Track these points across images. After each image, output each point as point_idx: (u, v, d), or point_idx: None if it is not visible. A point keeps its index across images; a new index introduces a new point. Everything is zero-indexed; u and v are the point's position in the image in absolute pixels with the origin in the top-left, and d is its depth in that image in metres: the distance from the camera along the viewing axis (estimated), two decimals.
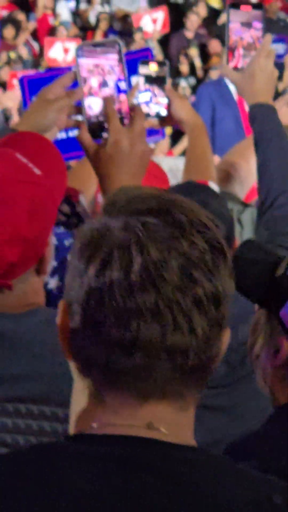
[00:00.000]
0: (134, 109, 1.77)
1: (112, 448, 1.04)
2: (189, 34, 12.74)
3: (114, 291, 1.03)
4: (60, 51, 10.60)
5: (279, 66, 11.73)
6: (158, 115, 2.57)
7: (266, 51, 2.24)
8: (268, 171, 2.15)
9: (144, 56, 3.49)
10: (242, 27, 2.25)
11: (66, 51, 11.33)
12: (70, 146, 3.76)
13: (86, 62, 1.78)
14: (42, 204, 1.65)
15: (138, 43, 12.40)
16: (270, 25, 13.55)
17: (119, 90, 1.79)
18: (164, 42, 12.96)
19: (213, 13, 13.75)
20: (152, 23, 12.80)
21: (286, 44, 12.05)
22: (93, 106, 1.79)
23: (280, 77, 11.69)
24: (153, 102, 2.56)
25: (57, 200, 1.74)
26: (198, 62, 11.80)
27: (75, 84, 1.84)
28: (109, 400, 1.07)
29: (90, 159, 1.78)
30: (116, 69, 1.79)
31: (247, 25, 2.25)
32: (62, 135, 3.85)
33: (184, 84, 11.61)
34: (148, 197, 1.09)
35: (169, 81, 2.59)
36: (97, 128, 1.78)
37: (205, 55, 12.11)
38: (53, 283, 2.51)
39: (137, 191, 1.11)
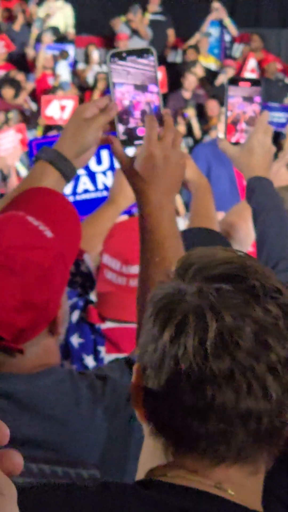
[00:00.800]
0: (164, 119, 1.72)
1: (182, 499, 1.06)
2: (187, 94, 12.75)
3: (189, 357, 1.05)
4: (57, 109, 10.57)
5: (281, 135, 11.74)
6: None
7: (264, 127, 2.25)
8: (268, 239, 2.18)
9: None
10: (244, 101, 2.25)
11: (62, 108, 11.29)
12: (80, 209, 3.68)
13: (118, 70, 1.72)
14: (53, 269, 1.60)
15: None
16: (268, 86, 13.60)
17: (151, 99, 1.73)
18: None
19: (210, 74, 13.82)
20: None
21: None
22: (126, 116, 1.73)
23: (280, 146, 11.70)
24: None
25: (69, 262, 1.72)
26: (195, 123, 11.78)
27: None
28: (182, 460, 1.08)
29: (125, 174, 1.76)
30: (149, 77, 1.72)
31: (249, 99, 2.26)
32: (69, 199, 3.78)
33: (182, 145, 11.56)
34: (220, 262, 1.10)
35: None
36: (129, 137, 1.74)
37: (202, 115, 12.10)
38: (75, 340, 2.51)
39: (210, 254, 1.13)
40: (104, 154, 3.84)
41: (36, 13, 14.04)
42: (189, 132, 11.62)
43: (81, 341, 2.48)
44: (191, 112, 11.87)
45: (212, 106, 12.00)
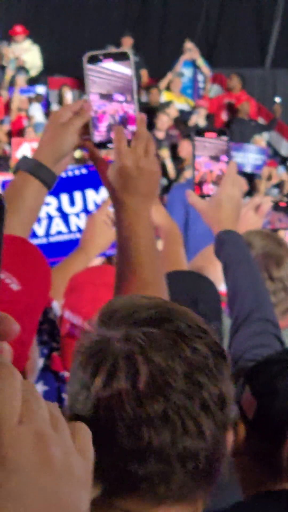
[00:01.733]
0: (137, 126, 1.69)
1: None
2: (160, 134, 12.74)
3: (123, 401, 1.05)
4: (28, 151, 10.57)
5: (255, 176, 11.77)
6: None
7: (232, 180, 2.26)
8: (240, 289, 2.21)
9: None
10: (210, 160, 2.26)
11: (33, 151, 11.24)
12: (53, 251, 3.65)
13: (93, 73, 1.67)
14: (20, 322, 1.44)
15: None
16: (241, 126, 13.67)
17: (126, 106, 1.68)
18: None
19: (184, 114, 13.83)
20: None
21: (265, 156, 12.12)
22: (100, 120, 1.71)
23: (255, 188, 11.73)
24: None
25: (37, 314, 1.66)
26: (169, 163, 11.77)
27: None
28: (123, 503, 1.08)
29: (101, 179, 1.73)
30: (124, 82, 1.67)
31: (216, 158, 2.26)
32: (42, 240, 3.75)
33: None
34: (145, 307, 1.12)
35: None
36: (104, 140, 1.72)
37: (176, 155, 12.10)
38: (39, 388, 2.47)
39: (133, 301, 1.13)
40: (78, 196, 3.84)
41: (8, 55, 14.02)
42: (164, 172, 11.60)
43: (45, 389, 2.45)
44: (165, 153, 11.87)
45: (186, 146, 12.01)
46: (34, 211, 1.79)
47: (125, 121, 1.68)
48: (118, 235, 1.70)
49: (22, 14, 15.21)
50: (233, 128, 13.74)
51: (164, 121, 12.73)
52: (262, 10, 15.42)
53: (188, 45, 14.55)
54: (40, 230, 3.76)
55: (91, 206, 3.77)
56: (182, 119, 13.60)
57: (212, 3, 15.73)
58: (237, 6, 15.67)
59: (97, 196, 3.80)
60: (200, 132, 2.29)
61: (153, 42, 15.76)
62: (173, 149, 12.48)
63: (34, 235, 3.72)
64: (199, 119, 13.47)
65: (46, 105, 13.85)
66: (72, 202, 3.83)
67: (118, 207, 1.69)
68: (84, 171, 3.77)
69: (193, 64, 14.61)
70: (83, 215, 3.80)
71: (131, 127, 1.68)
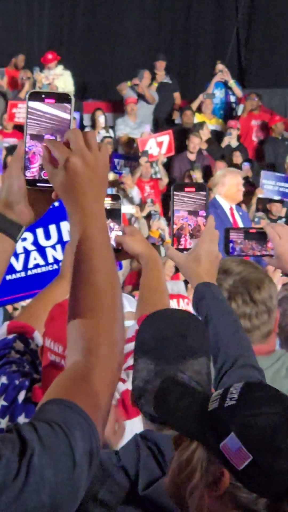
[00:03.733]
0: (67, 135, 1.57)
1: None
2: (192, 156, 12.76)
3: None
4: None
5: (284, 203, 11.69)
6: (113, 249, 2.50)
7: (210, 235, 2.33)
8: (223, 339, 2.25)
9: None
10: (189, 215, 2.34)
11: None
12: (32, 283, 3.72)
13: (32, 111, 1.62)
14: None
15: (143, 166, 12.42)
16: (275, 145, 13.65)
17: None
18: (166, 164, 12.97)
19: (216, 135, 13.83)
20: (157, 146, 12.85)
21: None
22: (31, 162, 1.63)
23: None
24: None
25: None
26: None
27: None
28: None
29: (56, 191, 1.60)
30: (60, 125, 1.61)
31: (194, 213, 2.34)
32: (21, 274, 3.82)
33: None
34: None
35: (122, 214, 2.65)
36: (36, 179, 1.63)
37: (208, 177, 12.09)
38: (3, 423, 2.45)
39: None
40: (52, 228, 3.97)
41: (41, 81, 14.14)
42: None
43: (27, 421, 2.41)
44: (197, 174, 11.88)
45: (220, 167, 12.02)
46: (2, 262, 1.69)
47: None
48: (71, 239, 1.60)
49: (54, 39, 15.37)
50: (266, 148, 13.73)
51: (196, 143, 12.74)
52: None
53: (220, 66, 14.58)
54: (18, 265, 3.88)
55: (66, 237, 3.91)
56: (214, 140, 13.61)
57: (243, 25, 15.78)
58: (267, 26, 15.72)
59: None
60: (179, 187, 2.35)
61: (186, 64, 15.84)
62: (206, 170, 12.49)
63: (12, 270, 3.87)
64: (231, 140, 13.47)
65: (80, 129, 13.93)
66: (47, 235, 3.97)
67: (73, 209, 1.56)
68: (56, 204, 3.87)
69: (224, 85, 14.65)
70: (59, 247, 3.95)
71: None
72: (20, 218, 1.66)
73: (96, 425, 1.35)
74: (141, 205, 11.97)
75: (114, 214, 2.63)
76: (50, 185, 1.57)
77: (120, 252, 2.64)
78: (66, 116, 1.61)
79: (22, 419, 2.44)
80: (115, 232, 2.63)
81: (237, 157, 13.01)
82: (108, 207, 2.61)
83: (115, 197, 2.67)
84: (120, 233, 2.63)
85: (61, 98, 1.62)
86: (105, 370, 1.45)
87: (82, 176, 1.54)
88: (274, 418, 1.60)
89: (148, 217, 11.55)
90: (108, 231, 1.61)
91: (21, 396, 2.48)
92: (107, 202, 2.62)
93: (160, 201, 12.39)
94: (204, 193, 2.34)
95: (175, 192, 2.33)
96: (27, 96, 1.63)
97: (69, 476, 1.29)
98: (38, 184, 1.62)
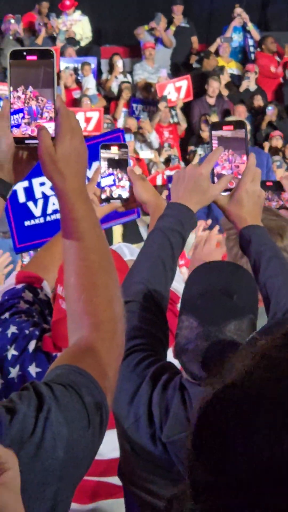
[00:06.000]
0: (58, 116, 1.61)
1: None
2: (211, 100, 12.72)
3: None
4: (82, 121, 10.65)
5: None
6: (120, 198, 2.63)
7: (252, 175, 2.27)
8: (274, 287, 2.18)
9: (116, 137, 3.48)
10: (229, 152, 2.26)
11: (87, 120, 11.36)
12: (52, 229, 3.68)
13: (15, 69, 1.62)
14: None
15: (162, 111, 12.42)
16: None
17: (45, 103, 1.62)
18: (186, 109, 12.95)
19: (235, 79, 13.77)
20: (175, 91, 12.81)
21: None
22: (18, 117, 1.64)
23: None
24: (116, 186, 2.63)
25: None
26: None
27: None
28: None
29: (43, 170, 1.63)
30: (45, 79, 1.62)
31: (234, 152, 2.27)
32: (40, 220, 3.78)
33: (201, 152, 11.54)
34: None
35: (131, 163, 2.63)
36: (23, 136, 1.64)
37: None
38: (14, 372, 2.48)
39: None
40: None
41: (58, 26, 14.07)
42: None
43: (38, 370, 2.46)
44: (214, 119, 11.84)
45: (240, 111, 11.98)
46: None
47: (44, 117, 1.62)
48: (61, 215, 1.68)
49: None
50: (285, 90, 13.63)
51: (215, 86, 12.70)
52: None
53: (238, 10, 14.45)
54: (36, 210, 3.81)
55: None
56: (232, 84, 13.55)
57: None
58: None
59: (89, 172, 3.85)
60: (217, 125, 2.29)
61: (204, 9, 15.68)
62: (226, 114, 12.46)
63: (31, 215, 3.80)
64: (250, 84, 13.41)
65: (97, 75, 13.90)
66: None
67: (60, 184, 1.61)
68: None
69: (243, 29, 14.52)
70: None
71: (50, 124, 1.62)
72: (10, 177, 1.66)
73: (105, 393, 1.42)
74: (160, 149, 12.00)
75: (121, 164, 2.63)
76: (37, 141, 1.60)
77: (128, 200, 2.64)
78: (49, 70, 1.62)
79: (32, 368, 2.46)
80: (123, 181, 2.63)
81: (258, 100, 12.96)
82: (116, 157, 2.62)
83: (122, 146, 2.65)
84: (127, 183, 2.62)
85: (43, 54, 1.63)
86: (111, 344, 1.52)
87: (68, 160, 1.59)
88: None
89: (167, 161, 11.57)
90: (94, 211, 1.66)
91: (32, 346, 2.49)
92: (114, 152, 2.62)
93: (178, 146, 12.41)
94: (243, 130, 2.27)
95: (213, 132, 2.27)
96: (8, 55, 1.62)
97: (84, 434, 1.35)
98: (26, 142, 1.63)
